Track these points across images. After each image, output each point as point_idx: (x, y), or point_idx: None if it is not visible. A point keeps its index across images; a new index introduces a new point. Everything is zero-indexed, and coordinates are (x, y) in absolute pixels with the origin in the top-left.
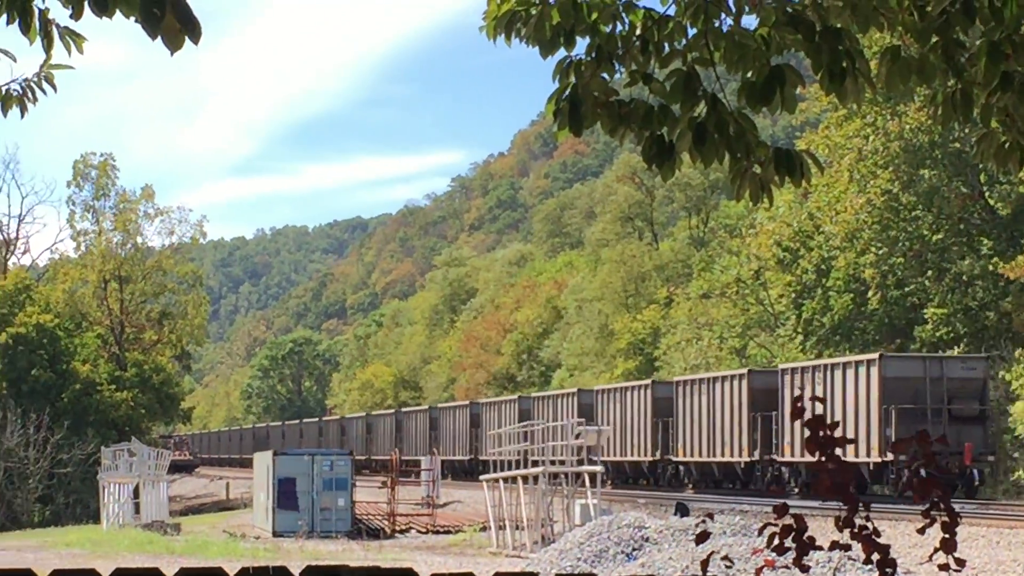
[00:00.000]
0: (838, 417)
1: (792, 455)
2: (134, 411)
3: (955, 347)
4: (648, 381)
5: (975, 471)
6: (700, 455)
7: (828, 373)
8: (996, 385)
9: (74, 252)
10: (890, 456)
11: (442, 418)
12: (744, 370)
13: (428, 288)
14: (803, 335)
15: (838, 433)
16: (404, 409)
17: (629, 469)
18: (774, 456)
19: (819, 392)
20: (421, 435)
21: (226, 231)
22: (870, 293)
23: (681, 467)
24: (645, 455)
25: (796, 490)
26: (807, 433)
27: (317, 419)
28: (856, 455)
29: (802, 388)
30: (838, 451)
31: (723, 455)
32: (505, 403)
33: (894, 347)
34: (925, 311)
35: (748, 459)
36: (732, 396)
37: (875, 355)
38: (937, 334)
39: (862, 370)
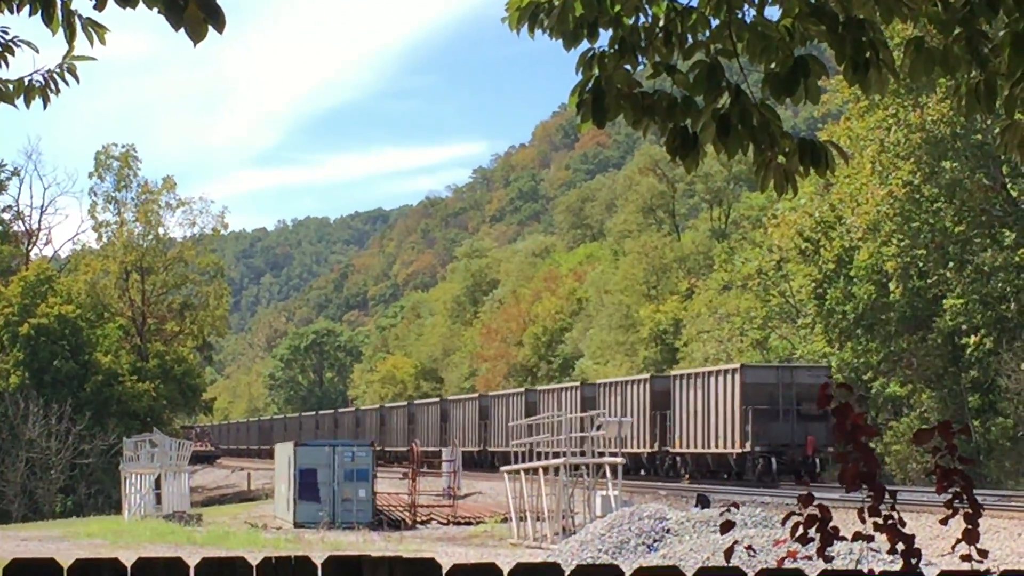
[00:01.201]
0: (711, 416)
1: (682, 447)
2: (156, 402)
3: (972, 335)
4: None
5: (816, 460)
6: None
7: (704, 379)
8: (1017, 377)
9: (96, 243)
10: (748, 448)
11: (453, 410)
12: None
13: (449, 279)
14: (824, 326)
15: (703, 428)
16: (416, 401)
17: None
18: (667, 448)
19: (697, 396)
20: (433, 427)
21: (247, 222)
22: (892, 284)
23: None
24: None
25: (687, 476)
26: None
27: (333, 411)
28: (723, 447)
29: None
30: (714, 446)
31: (635, 447)
32: (513, 395)
33: (916, 338)
34: (945, 302)
35: (649, 450)
36: (637, 397)
37: (737, 365)
38: (956, 323)
39: (727, 377)
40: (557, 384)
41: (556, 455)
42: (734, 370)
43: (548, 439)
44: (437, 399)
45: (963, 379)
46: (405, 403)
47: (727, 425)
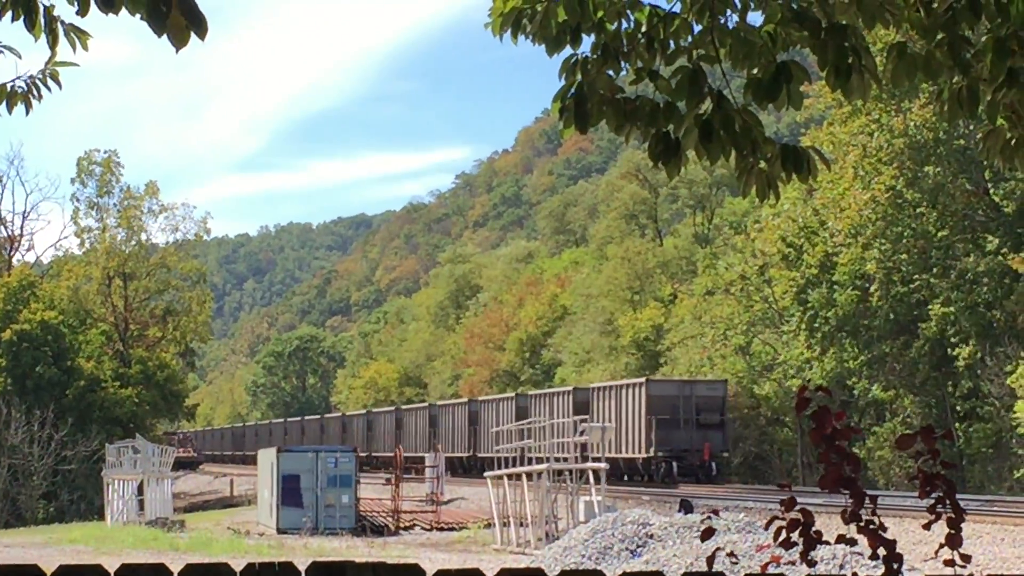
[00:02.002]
0: (622, 424)
1: (599, 452)
2: (138, 408)
3: (960, 346)
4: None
5: (713, 464)
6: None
7: (616, 392)
8: (1001, 383)
9: (78, 249)
10: (652, 453)
11: (441, 416)
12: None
13: (432, 285)
14: (808, 331)
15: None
16: (404, 407)
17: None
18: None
19: (610, 406)
20: (421, 432)
21: (230, 228)
22: (872, 288)
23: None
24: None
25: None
26: (815, 427)
27: (319, 416)
28: (630, 452)
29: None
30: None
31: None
32: (503, 400)
33: (899, 343)
34: (930, 308)
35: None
36: (563, 406)
37: (643, 380)
38: (941, 329)
39: (635, 390)
40: (551, 388)
41: (543, 460)
42: (640, 384)
43: (532, 444)
44: (425, 404)
45: (946, 384)
46: (393, 408)
47: (635, 432)
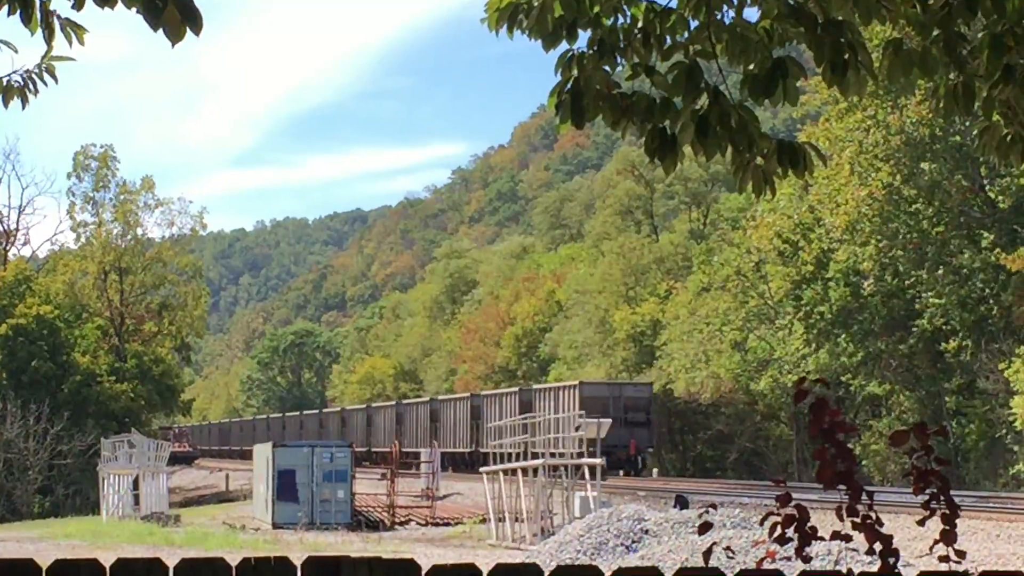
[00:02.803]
0: (561, 422)
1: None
2: (134, 402)
3: (952, 340)
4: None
5: (639, 458)
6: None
7: (555, 392)
8: (996, 379)
9: (74, 243)
10: (589, 447)
11: (443, 410)
12: (516, 388)
13: (428, 280)
14: (803, 327)
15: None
16: (405, 401)
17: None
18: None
19: (550, 405)
20: (422, 427)
21: (226, 223)
22: (867, 284)
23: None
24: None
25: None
26: (812, 420)
27: (317, 411)
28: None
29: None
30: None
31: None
32: (506, 395)
33: (894, 339)
34: (923, 303)
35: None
36: (510, 405)
37: (577, 382)
38: (936, 324)
39: (570, 391)
40: (500, 389)
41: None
42: (575, 385)
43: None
44: (427, 399)
45: (941, 380)
46: (393, 403)
47: (569, 428)
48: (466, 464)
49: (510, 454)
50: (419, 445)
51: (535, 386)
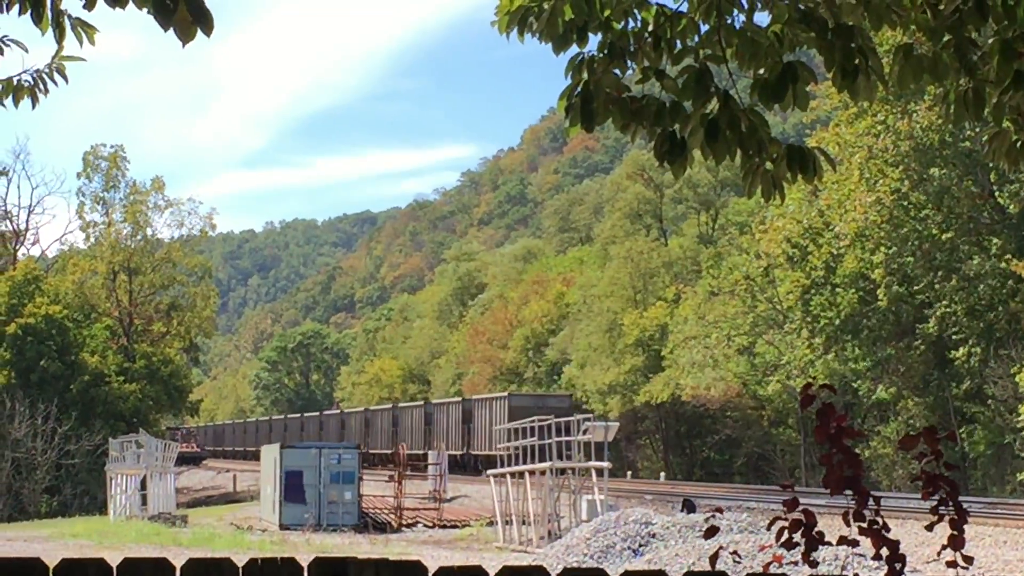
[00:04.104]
0: (492, 428)
1: (479, 450)
2: (142, 403)
3: (960, 346)
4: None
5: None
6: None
7: (489, 403)
8: (1004, 385)
9: (83, 243)
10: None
11: (436, 413)
12: (459, 398)
13: (437, 282)
14: (810, 332)
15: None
16: (400, 404)
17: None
18: (470, 450)
19: (485, 414)
20: (417, 430)
21: (235, 224)
22: (880, 292)
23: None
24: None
25: (484, 472)
26: (819, 425)
27: (319, 413)
28: (495, 450)
29: (479, 412)
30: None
31: (452, 449)
32: (414, 408)
33: (902, 345)
34: (933, 309)
35: (460, 452)
36: (450, 414)
37: (506, 393)
38: (944, 330)
39: (501, 402)
40: (445, 399)
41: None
42: (504, 397)
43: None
44: (421, 402)
45: (949, 386)
46: (390, 406)
47: (500, 434)
48: (459, 466)
49: (507, 457)
50: (414, 447)
51: (473, 397)
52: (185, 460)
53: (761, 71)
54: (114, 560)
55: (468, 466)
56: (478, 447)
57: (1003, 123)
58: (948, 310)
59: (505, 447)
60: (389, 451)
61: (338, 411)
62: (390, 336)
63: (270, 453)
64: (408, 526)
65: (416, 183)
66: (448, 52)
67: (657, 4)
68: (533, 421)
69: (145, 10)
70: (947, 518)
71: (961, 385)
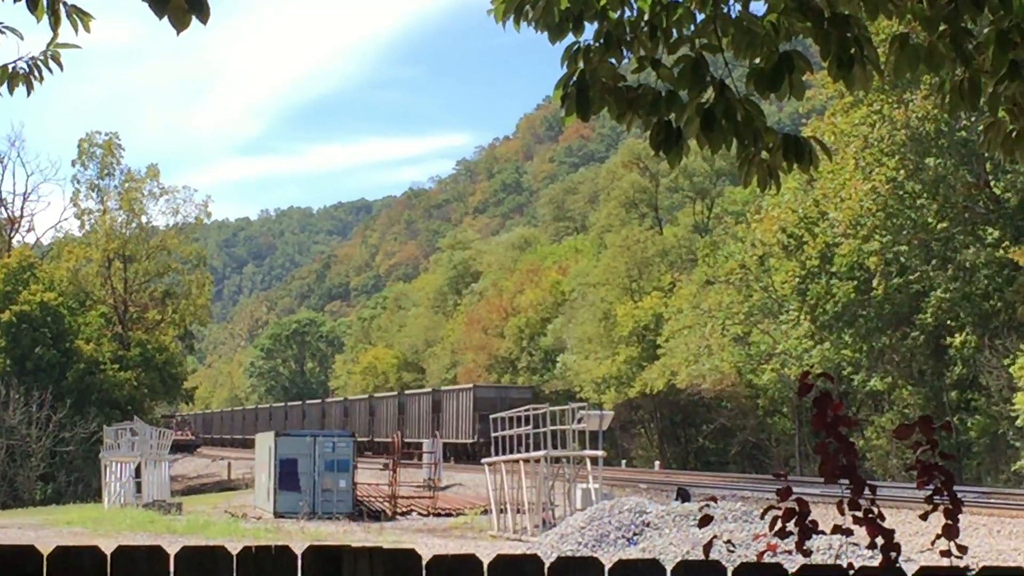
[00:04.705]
0: (459, 418)
1: (449, 437)
2: (137, 390)
3: (956, 335)
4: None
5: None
6: (407, 437)
7: (456, 394)
8: (999, 375)
9: (78, 231)
10: (476, 439)
11: (408, 403)
12: (430, 388)
13: (432, 271)
14: (808, 321)
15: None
16: (376, 395)
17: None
18: (441, 439)
19: (452, 405)
20: (391, 419)
21: (231, 211)
22: (875, 281)
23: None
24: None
25: (452, 458)
26: (816, 414)
27: (320, 400)
28: (462, 439)
29: (448, 402)
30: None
31: (417, 437)
32: (422, 395)
33: (898, 335)
34: (928, 300)
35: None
36: (421, 404)
37: (471, 386)
38: (940, 320)
39: (466, 393)
40: (417, 389)
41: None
42: (470, 388)
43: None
44: (429, 390)
45: (944, 376)
46: (395, 393)
47: (465, 424)
48: (468, 456)
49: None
50: (421, 436)
51: (441, 388)
52: (180, 448)
53: (757, 61)
54: (108, 548)
55: None
56: (446, 435)
57: (999, 113)
58: (944, 298)
59: (472, 439)
60: (366, 439)
61: (341, 398)
62: (385, 324)
63: (265, 441)
64: (403, 514)
65: (412, 171)
66: (444, 40)
67: None
68: (528, 410)
69: None
70: (942, 507)
71: (956, 374)
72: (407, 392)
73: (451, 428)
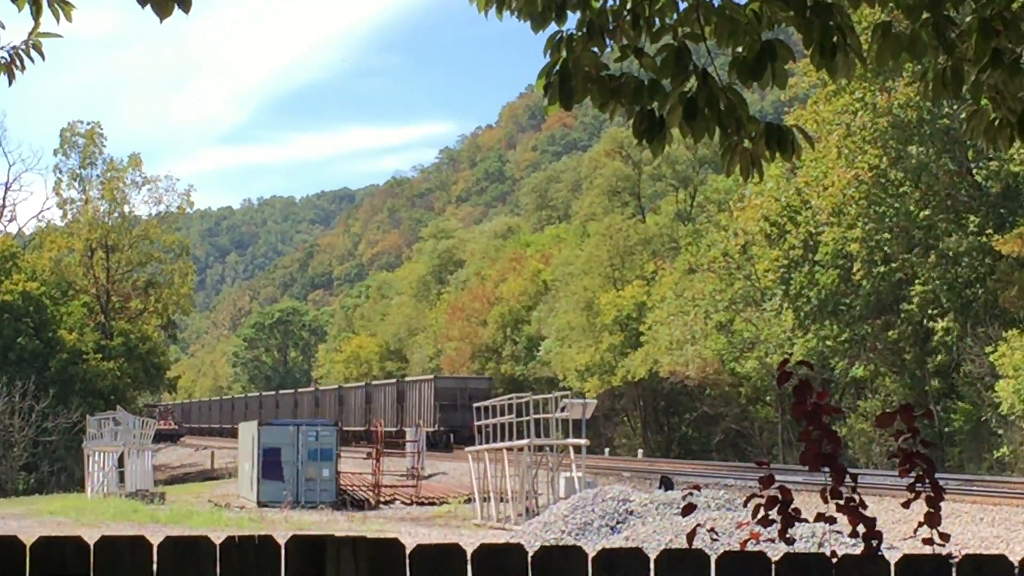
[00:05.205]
0: (423, 409)
1: (412, 425)
2: (120, 380)
3: (940, 320)
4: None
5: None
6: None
7: (418, 385)
8: (981, 363)
9: (60, 220)
10: (437, 428)
11: (375, 393)
12: (394, 380)
13: (415, 260)
14: (791, 310)
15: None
16: (344, 386)
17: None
18: (405, 426)
19: (415, 395)
20: (359, 408)
21: (213, 200)
22: (855, 268)
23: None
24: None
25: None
26: (796, 401)
27: (293, 390)
28: (426, 427)
29: (410, 392)
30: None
31: (388, 427)
32: (387, 385)
33: (881, 322)
34: (911, 288)
35: (395, 428)
36: (387, 394)
37: (432, 376)
38: (922, 308)
39: (427, 384)
40: (418, 377)
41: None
42: (431, 379)
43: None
44: (394, 380)
45: (927, 363)
46: (394, 381)
47: (427, 413)
48: (431, 445)
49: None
50: (386, 424)
51: (406, 379)
52: (163, 437)
53: (740, 49)
54: (91, 538)
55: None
56: (410, 423)
57: (981, 101)
58: (926, 287)
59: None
60: (362, 428)
61: (312, 388)
62: (368, 313)
63: (248, 430)
64: (386, 503)
65: (394, 160)
66: (427, 29)
67: None
68: (512, 399)
69: None
70: (924, 495)
71: (938, 362)
72: (374, 383)
73: (414, 417)
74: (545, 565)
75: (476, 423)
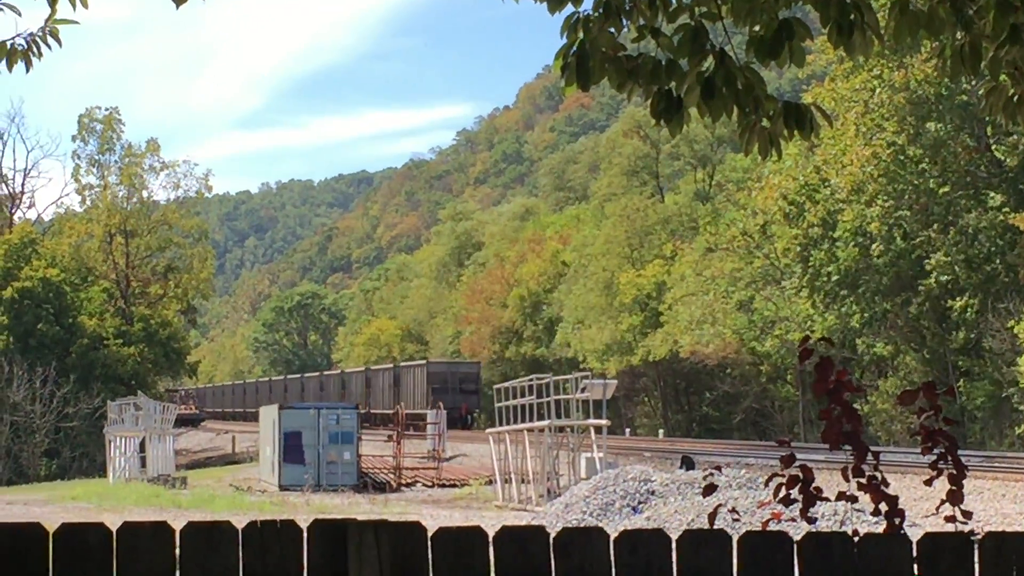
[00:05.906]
0: (417, 392)
1: (406, 408)
2: (140, 365)
3: (959, 297)
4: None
5: (470, 416)
6: (378, 408)
7: (412, 369)
8: (1002, 338)
9: (79, 206)
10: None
11: (374, 378)
12: (391, 364)
13: (434, 242)
14: (810, 288)
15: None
16: (347, 370)
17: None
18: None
19: (409, 379)
20: (360, 391)
21: (231, 185)
22: (874, 246)
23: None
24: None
25: (412, 428)
26: (817, 380)
27: (319, 373)
28: (420, 409)
29: (404, 378)
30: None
31: (384, 409)
32: (384, 371)
33: (900, 300)
34: (929, 262)
35: (391, 410)
36: (384, 378)
37: (425, 361)
38: (942, 284)
39: (420, 369)
40: (411, 362)
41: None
42: (423, 364)
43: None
44: (391, 365)
45: (948, 340)
46: (391, 365)
47: (420, 396)
48: (389, 422)
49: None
50: (416, 407)
51: (400, 364)
52: (184, 422)
53: (757, 28)
54: (114, 523)
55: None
56: (406, 407)
57: (1000, 77)
58: (946, 263)
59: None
60: (390, 411)
61: (339, 371)
62: (387, 296)
63: (269, 414)
64: (407, 486)
65: (412, 142)
66: (443, 10)
67: None
68: (532, 379)
69: None
70: (946, 473)
71: (959, 339)
72: (372, 368)
73: (409, 400)
74: (567, 547)
75: (496, 404)
